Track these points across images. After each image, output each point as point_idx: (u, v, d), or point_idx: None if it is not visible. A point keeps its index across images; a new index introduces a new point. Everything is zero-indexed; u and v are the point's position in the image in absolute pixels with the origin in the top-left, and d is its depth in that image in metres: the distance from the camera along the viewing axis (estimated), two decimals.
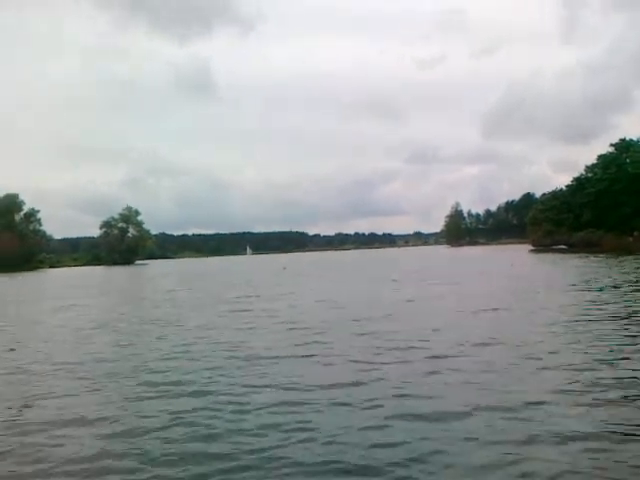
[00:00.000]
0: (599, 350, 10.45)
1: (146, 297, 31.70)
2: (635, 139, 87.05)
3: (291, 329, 14.98)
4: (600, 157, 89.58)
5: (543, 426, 6.45)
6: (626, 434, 6.15)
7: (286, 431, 6.79)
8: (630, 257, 45.44)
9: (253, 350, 12.18)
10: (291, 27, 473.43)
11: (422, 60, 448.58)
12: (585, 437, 6.10)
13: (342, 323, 15.63)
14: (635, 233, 76.15)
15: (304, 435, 6.62)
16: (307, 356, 11.33)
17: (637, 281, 24.19)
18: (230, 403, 8.15)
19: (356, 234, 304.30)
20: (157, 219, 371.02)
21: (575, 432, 6.22)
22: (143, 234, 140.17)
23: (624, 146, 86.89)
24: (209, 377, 9.80)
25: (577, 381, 8.37)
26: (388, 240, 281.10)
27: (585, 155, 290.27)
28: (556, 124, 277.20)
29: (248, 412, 7.65)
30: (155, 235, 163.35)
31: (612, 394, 7.66)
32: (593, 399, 7.44)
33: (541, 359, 9.91)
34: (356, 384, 8.85)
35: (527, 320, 14.71)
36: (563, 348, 10.81)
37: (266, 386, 8.99)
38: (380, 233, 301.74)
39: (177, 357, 11.86)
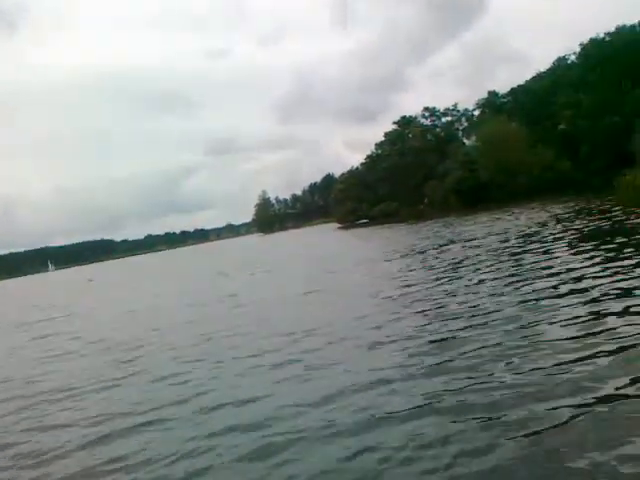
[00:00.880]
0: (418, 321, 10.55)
1: None
2: (414, 115, 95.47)
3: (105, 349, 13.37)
4: (386, 134, 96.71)
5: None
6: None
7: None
8: (423, 223, 49.50)
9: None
10: (63, 23, 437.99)
11: (212, 51, 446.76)
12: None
13: (158, 335, 14.14)
14: (425, 201, 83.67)
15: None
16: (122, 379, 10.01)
17: (440, 245, 25.60)
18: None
19: (167, 234, 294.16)
20: None
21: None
22: None
23: (405, 123, 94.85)
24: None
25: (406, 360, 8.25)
26: (200, 236, 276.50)
27: (374, 133, 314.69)
28: (345, 106, 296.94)
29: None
30: None
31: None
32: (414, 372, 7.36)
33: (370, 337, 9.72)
34: (177, 402, 7.99)
35: (348, 301, 14.44)
36: (386, 324, 10.73)
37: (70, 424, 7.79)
38: (191, 230, 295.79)
39: None
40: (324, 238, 60.19)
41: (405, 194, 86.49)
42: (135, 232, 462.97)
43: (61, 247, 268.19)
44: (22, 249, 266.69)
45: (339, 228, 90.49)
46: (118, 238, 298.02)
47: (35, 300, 42.30)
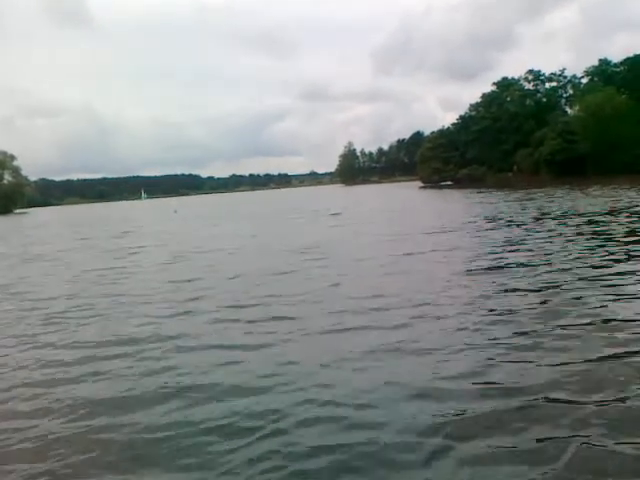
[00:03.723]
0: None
1: None
2: (516, 78, 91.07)
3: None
4: (483, 95, 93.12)
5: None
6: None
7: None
8: (517, 192, 47.24)
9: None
10: None
11: None
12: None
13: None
14: (514, 168, 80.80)
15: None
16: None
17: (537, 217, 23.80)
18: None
19: (251, 175, 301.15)
20: (36, 164, 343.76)
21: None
22: (20, 180, 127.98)
23: (505, 85, 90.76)
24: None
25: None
26: (284, 180, 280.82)
27: (470, 92, 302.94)
28: (443, 61, 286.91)
29: None
30: (34, 181, 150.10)
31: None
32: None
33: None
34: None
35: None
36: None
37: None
38: (275, 173, 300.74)
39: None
40: (409, 196, 58.75)
41: (494, 159, 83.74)
42: (221, 171, 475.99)
43: (150, 177, 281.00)
44: (115, 175, 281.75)
45: (421, 187, 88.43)
46: (204, 175, 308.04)
47: (125, 225, 44.89)
